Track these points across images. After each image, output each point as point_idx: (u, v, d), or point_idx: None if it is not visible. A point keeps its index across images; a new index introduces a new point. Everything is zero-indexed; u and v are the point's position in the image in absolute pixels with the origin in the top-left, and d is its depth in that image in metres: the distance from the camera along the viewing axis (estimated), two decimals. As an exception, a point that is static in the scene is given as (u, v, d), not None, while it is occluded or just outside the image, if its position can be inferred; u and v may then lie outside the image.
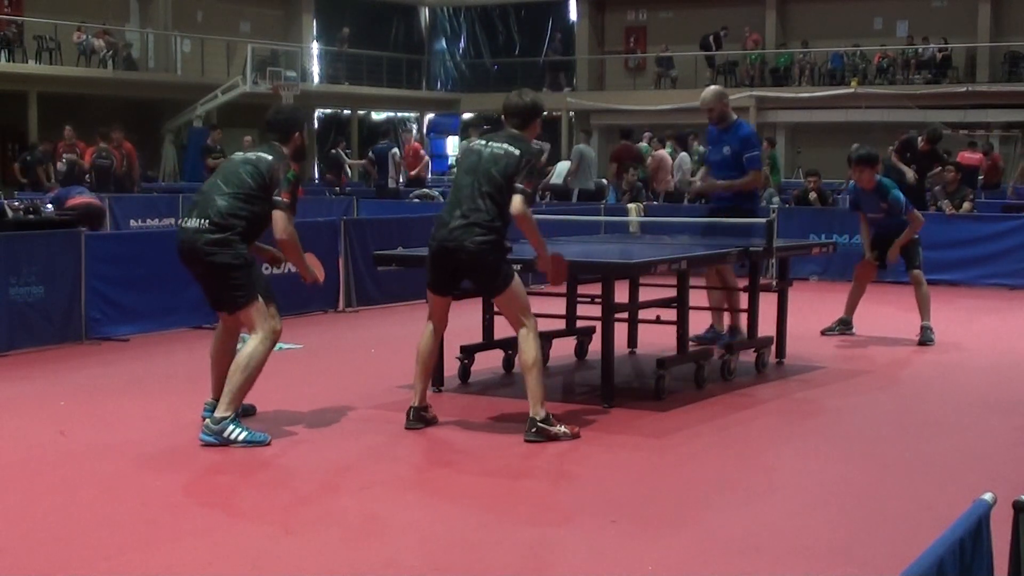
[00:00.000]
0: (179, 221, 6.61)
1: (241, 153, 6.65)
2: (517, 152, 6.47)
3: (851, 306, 10.26)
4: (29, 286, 9.07)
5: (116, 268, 9.90)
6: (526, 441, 6.30)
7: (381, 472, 5.93)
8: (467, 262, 6.44)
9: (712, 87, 9.90)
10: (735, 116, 9.49)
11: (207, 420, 6.32)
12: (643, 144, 20.31)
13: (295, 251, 6.55)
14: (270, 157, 6.44)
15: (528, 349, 6.43)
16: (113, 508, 5.24)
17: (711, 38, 33.91)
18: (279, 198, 6.34)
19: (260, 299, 6.37)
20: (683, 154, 19.97)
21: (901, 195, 10.05)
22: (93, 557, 4.61)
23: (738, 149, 9.25)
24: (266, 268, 10.58)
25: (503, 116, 6.85)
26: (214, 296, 6.53)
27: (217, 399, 6.60)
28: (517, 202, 6.37)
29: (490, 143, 6.58)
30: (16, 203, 11.48)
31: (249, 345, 6.35)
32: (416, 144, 22.64)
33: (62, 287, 9.33)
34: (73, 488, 5.54)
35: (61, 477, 5.73)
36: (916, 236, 10.04)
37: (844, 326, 10.25)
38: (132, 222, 17.89)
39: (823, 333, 10.11)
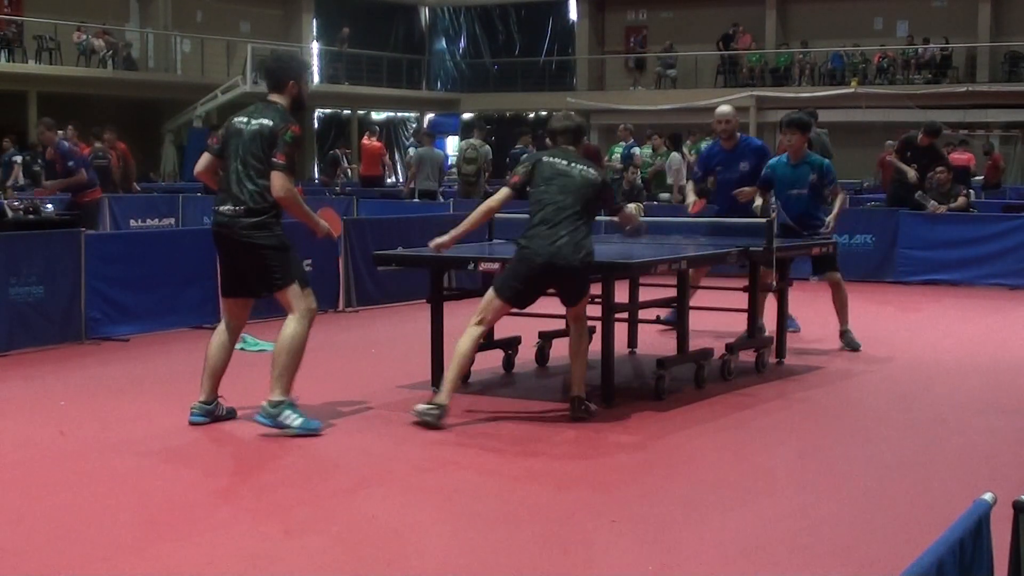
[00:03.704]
0: (212, 206, 6.67)
1: (243, 121, 6.54)
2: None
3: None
4: (29, 286, 9.07)
5: (116, 268, 9.90)
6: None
7: (380, 472, 5.93)
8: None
9: (726, 105, 10.04)
10: (739, 133, 9.78)
11: (264, 404, 6.40)
12: (617, 147, 20.35)
13: (297, 208, 6.58)
14: (271, 123, 6.43)
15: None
16: (113, 508, 5.23)
17: (720, 41, 33.92)
18: (275, 160, 6.35)
19: (297, 282, 6.48)
20: (675, 154, 19.89)
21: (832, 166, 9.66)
22: (93, 557, 4.61)
23: (756, 163, 9.68)
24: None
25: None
26: (248, 280, 6.58)
27: (206, 400, 6.63)
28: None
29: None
30: (16, 203, 11.49)
31: (289, 327, 6.44)
32: (377, 144, 22.65)
33: (62, 287, 9.32)
34: (73, 488, 5.54)
35: (61, 477, 5.73)
36: (837, 238, 9.66)
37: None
38: (132, 222, 17.90)
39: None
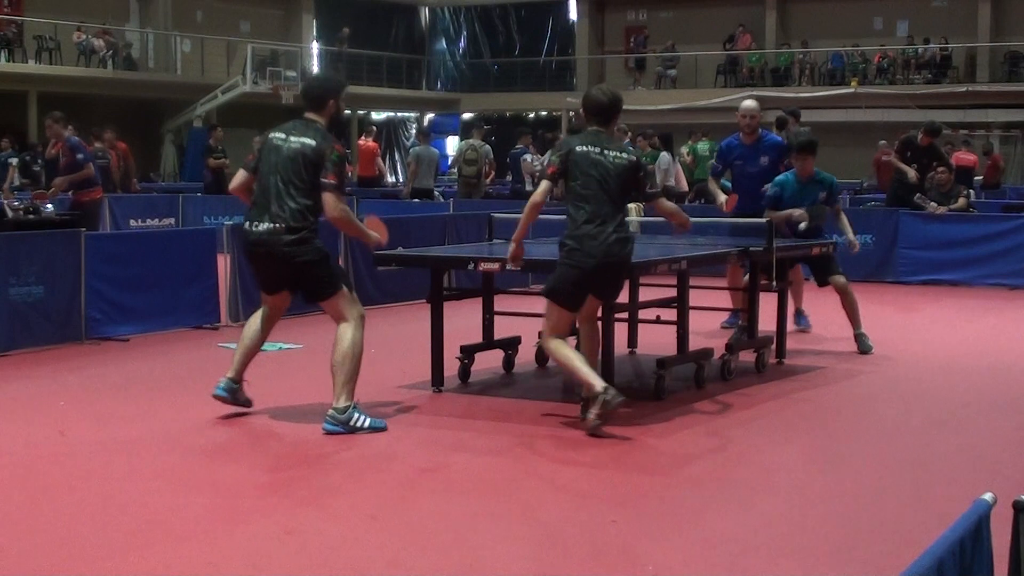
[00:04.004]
0: (245, 223, 6.66)
1: (281, 138, 6.59)
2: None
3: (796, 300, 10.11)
4: (29, 286, 9.07)
5: (116, 268, 9.90)
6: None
7: (381, 472, 5.93)
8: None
9: (751, 100, 10.32)
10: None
11: (331, 411, 6.49)
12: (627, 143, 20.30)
13: (351, 226, 6.73)
14: (314, 142, 6.50)
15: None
16: (112, 508, 5.24)
17: (726, 42, 33.91)
18: (326, 180, 6.44)
19: (344, 288, 6.60)
20: (664, 154, 19.85)
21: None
22: (93, 557, 4.61)
23: (776, 158, 9.90)
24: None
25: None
26: (293, 290, 6.71)
27: (234, 378, 6.77)
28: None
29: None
30: (16, 203, 11.49)
31: (347, 336, 6.56)
32: (372, 144, 22.75)
33: (62, 287, 9.33)
34: (72, 488, 5.54)
35: (60, 477, 5.73)
36: (838, 238, 9.72)
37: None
38: (132, 222, 17.91)
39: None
